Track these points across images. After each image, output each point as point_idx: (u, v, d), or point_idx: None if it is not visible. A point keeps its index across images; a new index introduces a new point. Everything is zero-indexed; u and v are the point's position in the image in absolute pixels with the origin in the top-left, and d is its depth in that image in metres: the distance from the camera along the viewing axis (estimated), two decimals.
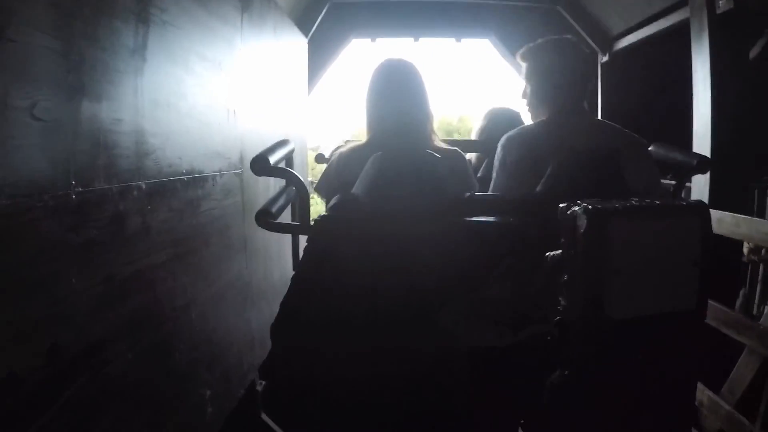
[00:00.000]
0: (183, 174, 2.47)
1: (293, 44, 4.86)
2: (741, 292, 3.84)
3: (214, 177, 2.82)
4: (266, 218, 2.16)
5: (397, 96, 2.55)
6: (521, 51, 2.74)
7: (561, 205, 1.70)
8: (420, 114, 2.57)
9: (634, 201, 1.72)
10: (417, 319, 1.83)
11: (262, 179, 3.50)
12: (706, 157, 2.29)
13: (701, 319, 1.77)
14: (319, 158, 3.31)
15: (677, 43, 4.66)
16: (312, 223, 2.05)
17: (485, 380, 1.92)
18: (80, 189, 1.72)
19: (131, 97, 2.04)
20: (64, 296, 1.65)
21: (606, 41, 6.06)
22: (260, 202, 3.35)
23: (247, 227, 3.32)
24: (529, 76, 2.68)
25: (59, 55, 1.62)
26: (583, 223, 1.62)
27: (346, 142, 2.75)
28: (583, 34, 6.12)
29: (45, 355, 1.57)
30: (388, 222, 1.89)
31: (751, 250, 6.19)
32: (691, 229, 1.69)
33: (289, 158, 2.57)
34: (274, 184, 3.77)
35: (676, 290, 1.67)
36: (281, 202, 2.31)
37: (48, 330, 1.58)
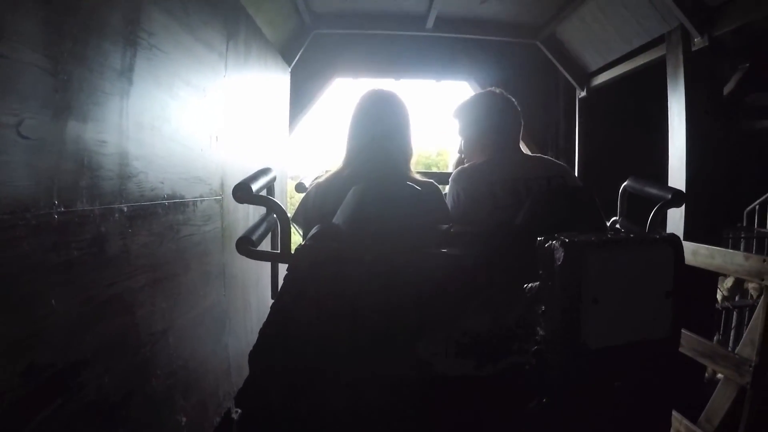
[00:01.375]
0: (164, 198, 2.47)
1: (276, 73, 4.89)
2: (714, 339, 3.88)
3: (194, 202, 2.82)
4: (246, 246, 2.10)
5: (377, 126, 2.52)
6: (453, 110, 2.80)
7: (539, 239, 1.72)
8: (399, 145, 2.56)
9: (610, 234, 1.75)
10: (396, 350, 1.81)
11: (242, 206, 3.49)
12: (680, 191, 2.29)
13: (675, 347, 1.80)
14: (299, 187, 3.14)
15: (654, 78, 4.75)
16: (293, 251, 2.00)
17: (464, 408, 1.88)
18: (62, 209, 1.72)
19: (116, 119, 2.05)
20: (43, 316, 1.64)
21: (584, 77, 6.16)
22: (240, 229, 3.32)
23: (226, 254, 3.31)
24: (463, 130, 2.78)
25: (48, 74, 1.63)
26: (560, 255, 1.64)
27: (326, 171, 2.66)
28: (562, 69, 6.21)
29: (22, 375, 1.55)
30: (369, 252, 1.86)
31: (724, 297, 6.30)
32: (665, 261, 1.72)
33: (270, 186, 2.52)
34: (254, 212, 3.76)
35: (651, 319, 1.70)
36: (262, 230, 2.27)
37: (26, 349, 1.57)
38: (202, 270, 2.98)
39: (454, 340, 1.84)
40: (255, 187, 2.16)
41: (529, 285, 1.77)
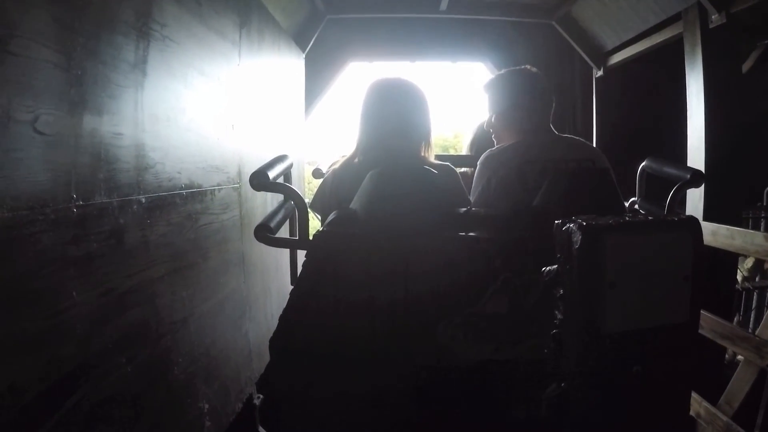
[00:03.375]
0: (182, 188, 2.48)
1: (291, 59, 4.89)
2: (735, 319, 3.85)
3: (212, 191, 2.84)
4: (265, 233, 2.12)
5: (392, 112, 2.53)
6: (484, 84, 2.82)
7: (556, 222, 1.71)
8: (414, 129, 2.56)
9: (628, 217, 1.74)
10: (415, 333, 1.83)
11: (260, 194, 3.51)
12: (699, 171, 2.29)
13: (694, 332, 1.79)
14: (317, 173, 3.19)
15: (671, 57, 4.68)
16: (311, 238, 2.02)
17: (483, 393, 1.90)
18: (81, 202, 1.74)
19: (131, 112, 2.06)
20: (64, 308, 1.66)
21: (601, 56, 6.09)
22: (258, 216, 3.38)
23: (245, 241, 3.33)
24: (493, 106, 2.78)
25: (61, 69, 1.64)
26: (578, 238, 1.64)
27: (343, 157, 2.67)
28: (578, 49, 6.15)
29: (45, 367, 1.58)
30: (387, 237, 1.88)
31: (745, 278, 6.25)
32: (683, 244, 1.71)
33: (287, 173, 2.56)
34: (272, 199, 3.78)
35: (669, 303, 1.69)
36: (280, 216, 2.28)
37: (49, 342, 1.59)
38: (221, 258, 3.00)
39: (472, 324, 1.84)
40: (272, 174, 2.19)
41: (547, 268, 1.77)
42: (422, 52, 6.90)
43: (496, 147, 2.69)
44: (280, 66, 4.47)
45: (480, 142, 3.33)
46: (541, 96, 2.73)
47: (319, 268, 1.88)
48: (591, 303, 1.63)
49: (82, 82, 1.74)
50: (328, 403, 1.87)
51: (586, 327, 1.65)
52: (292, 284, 2.28)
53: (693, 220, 1.77)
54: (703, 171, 3.91)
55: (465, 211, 2.18)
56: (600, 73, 6.16)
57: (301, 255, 2.01)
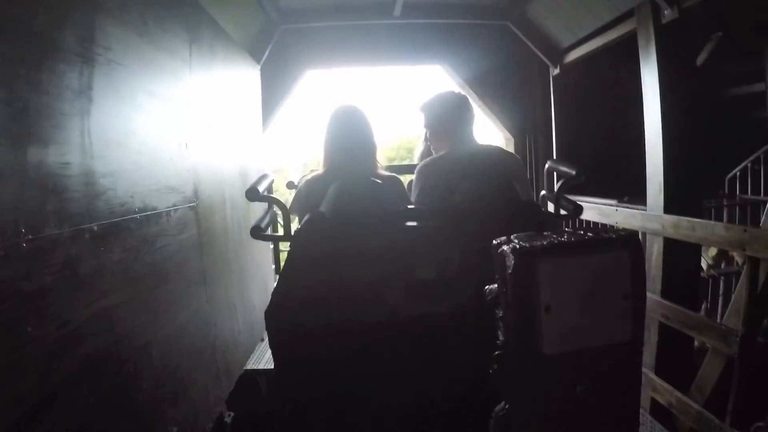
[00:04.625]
0: (136, 212, 2.46)
1: (245, 71, 4.87)
2: (703, 307, 3.90)
3: (168, 212, 2.81)
4: (258, 232, 2.78)
5: (348, 136, 3.19)
6: (420, 105, 3.41)
7: (494, 242, 1.74)
8: (365, 150, 3.21)
9: (563, 237, 1.74)
10: (371, 298, 2.46)
11: (219, 212, 3.57)
12: (582, 168, 2.94)
13: (638, 349, 1.79)
14: (289, 184, 3.76)
15: (626, 53, 4.74)
16: (293, 233, 2.69)
17: (422, 338, 2.48)
18: (30, 236, 1.71)
19: (78, 139, 2.03)
20: (21, 344, 1.64)
21: (556, 54, 6.14)
22: (218, 234, 3.40)
23: (205, 260, 3.31)
24: (428, 124, 3.41)
25: (2, 104, 1.61)
26: (511, 262, 1.64)
27: (312, 171, 3.45)
28: (534, 48, 6.19)
29: (5, 404, 1.56)
30: (347, 231, 2.60)
31: (710, 266, 6.35)
32: (621, 262, 1.71)
33: (269, 187, 3.14)
34: (231, 216, 3.80)
35: (610, 323, 1.69)
36: (267, 220, 2.92)
37: (7, 379, 1.57)
38: (181, 279, 2.97)
39: (410, 289, 2.49)
40: (260, 188, 2.83)
41: (488, 287, 1.79)
42: (380, 58, 6.92)
43: (429, 158, 3.31)
44: (234, 79, 4.44)
45: (427, 154, 3.84)
46: (465, 114, 3.30)
47: (300, 254, 2.53)
48: (528, 325, 1.64)
49: (25, 114, 1.72)
50: (312, 358, 2.44)
51: (525, 348, 1.66)
52: (276, 273, 3.69)
53: (632, 237, 1.78)
54: (662, 164, 4.00)
55: (403, 209, 2.91)
56: (557, 71, 6.21)
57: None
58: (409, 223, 2.73)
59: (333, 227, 2.58)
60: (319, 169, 3.26)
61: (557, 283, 1.63)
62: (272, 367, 4.53)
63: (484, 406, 1.89)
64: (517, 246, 1.64)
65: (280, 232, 3.19)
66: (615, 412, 1.76)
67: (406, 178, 3.51)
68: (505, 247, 1.67)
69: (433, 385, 2.49)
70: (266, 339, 3.98)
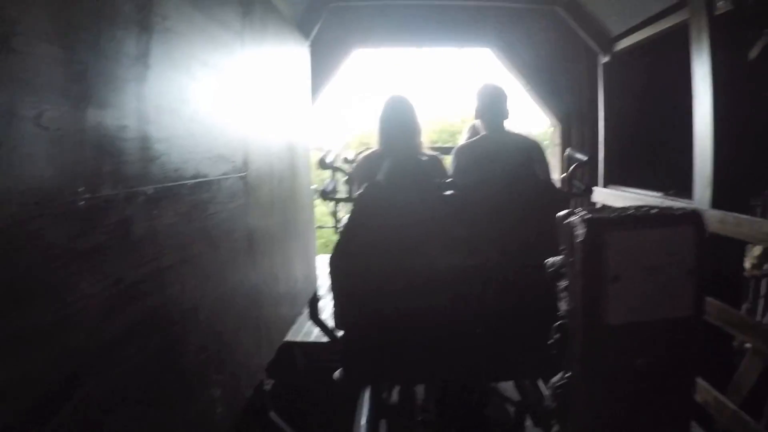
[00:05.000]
0: (188, 178, 2.51)
1: (294, 47, 4.90)
2: (744, 307, 3.84)
3: (219, 181, 2.86)
4: (327, 195, 3.90)
5: (398, 121, 3.94)
6: (476, 91, 4.16)
7: (559, 214, 1.75)
8: (412, 133, 3.96)
9: (631, 211, 1.75)
10: (415, 250, 3.05)
11: (266, 184, 3.68)
12: (592, 156, 3.96)
13: (698, 325, 1.79)
14: (321, 163, 4.50)
15: (678, 43, 4.65)
16: (355, 197, 3.40)
17: (458, 287, 3.10)
18: (87, 196, 1.76)
19: (135, 104, 2.08)
20: (73, 301, 1.69)
21: (606, 42, 6.05)
22: (265, 206, 3.47)
23: (253, 230, 3.36)
24: (477, 110, 4.13)
25: (63, 65, 1.66)
26: (581, 232, 1.65)
27: (367, 149, 4.42)
28: (583, 35, 6.13)
29: (56, 360, 1.60)
30: (398, 197, 3.19)
31: (753, 266, 6.22)
32: (686, 237, 1.71)
33: (333, 159, 4.43)
34: (278, 188, 3.85)
35: (673, 297, 1.70)
36: (332, 185, 3.99)
37: (58, 335, 1.62)
38: (229, 247, 3.03)
39: (446, 244, 3.06)
40: (328, 159, 4.23)
41: (550, 260, 1.80)
42: (427, 39, 6.91)
43: (465, 142, 4.22)
44: (283, 54, 4.48)
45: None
46: (501, 106, 4.04)
47: (361, 214, 3.18)
48: (594, 295, 1.65)
49: (85, 76, 1.76)
50: (368, 292, 3.10)
51: (589, 318, 1.67)
52: (335, 231, 5.14)
53: (696, 214, 1.78)
54: (711, 158, 3.95)
55: (439, 182, 3.38)
56: (606, 59, 6.13)
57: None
58: (446, 193, 3.24)
59: (387, 193, 3.19)
60: (374, 147, 4.10)
61: (625, 254, 1.64)
62: (310, 340, 5.89)
63: (500, 333, 3.00)
64: (587, 217, 1.65)
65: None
66: (671, 387, 1.77)
67: (446, 159, 4.23)
68: (574, 218, 1.68)
69: (463, 321, 3.06)
70: (306, 312, 5.59)
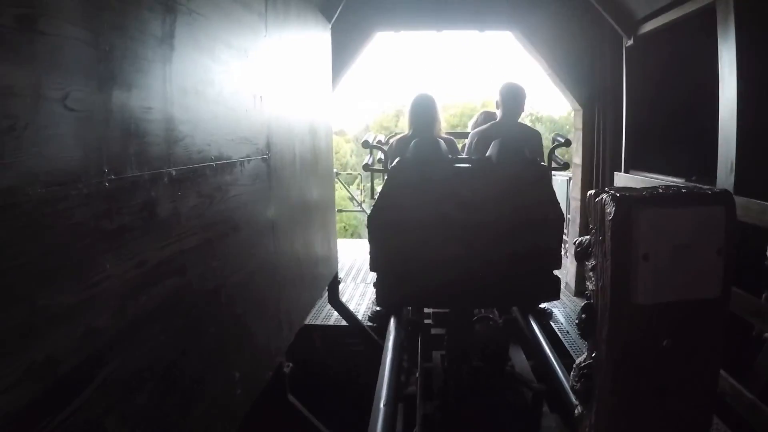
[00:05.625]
0: (212, 160, 2.51)
1: (317, 30, 4.90)
2: (763, 296, 3.79)
3: (242, 162, 2.87)
4: (369, 167, 5.00)
5: (424, 113, 5.07)
6: (500, 87, 5.22)
7: (589, 192, 1.74)
8: (434, 122, 5.08)
9: (660, 189, 1.73)
10: (435, 208, 3.80)
11: (288, 166, 3.71)
12: (568, 139, 5.40)
13: (725, 307, 1.78)
14: (365, 144, 5.21)
15: (703, 26, 4.58)
16: (389, 168, 4.18)
17: (472, 239, 3.88)
18: (113, 177, 1.77)
19: (160, 86, 2.09)
20: (98, 281, 1.70)
21: (631, 25, 5.96)
22: (287, 188, 3.48)
23: (275, 212, 3.37)
24: (498, 102, 5.20)
25: (89, 46, 1.66)
26: (611, 209, 1.64)
27: (396, 134, 5.96)
28: (608, 17, 6.04)
29: (81, 338, 1.62)
30: (422, 169, 3.94)
31: None
32: (716, 217, 1.69)
33: (373, 139, 5.21)
34: (300, 170, 3.86)
35: (702, 278, 1.68)
36: (372, 160, 5.15)
37: (84, 313, 1.63)
38: (251, 228, 3.04)
39: (459, 203, 3.81)
40: (370, 140, 5.07)
41: (578, 239, 1.79)
42: (449, 22, 6.87)
43: (478, 128, 5.33)
44: (306, 37, 4.48)
45: (478, 125, 5.68)
46: (518, 103, 5.13)
47: (394, 181, 3.93)
48: (623, 274, 1.64)
49: (111, 57, 1.76)
50: (403, 245, 3.86)
51: (619, 297, 1.65)
52: (371, 198, 5.65)
53: (726, 193, 1.75)
54: (735, 142, 3.89)
55: (453, 158, 4.61)
56: (630, 42, 6.04)
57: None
58: (458, 165, 4.29)
59: (414, 166, 3.98)
60: (405, 132, 5.31)
61: (655, 232, 1.62)
62: (329, 323, 6.24)
63: (503, 278, 3.85)
64: (617, 195, 1.64)
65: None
66: (696, 370, 1.75)
67: (459, 142, 5.71)
68: (604, 196, 1.67)
69: (473, 266, 3.83)
70: (325, 296, 6.02)
